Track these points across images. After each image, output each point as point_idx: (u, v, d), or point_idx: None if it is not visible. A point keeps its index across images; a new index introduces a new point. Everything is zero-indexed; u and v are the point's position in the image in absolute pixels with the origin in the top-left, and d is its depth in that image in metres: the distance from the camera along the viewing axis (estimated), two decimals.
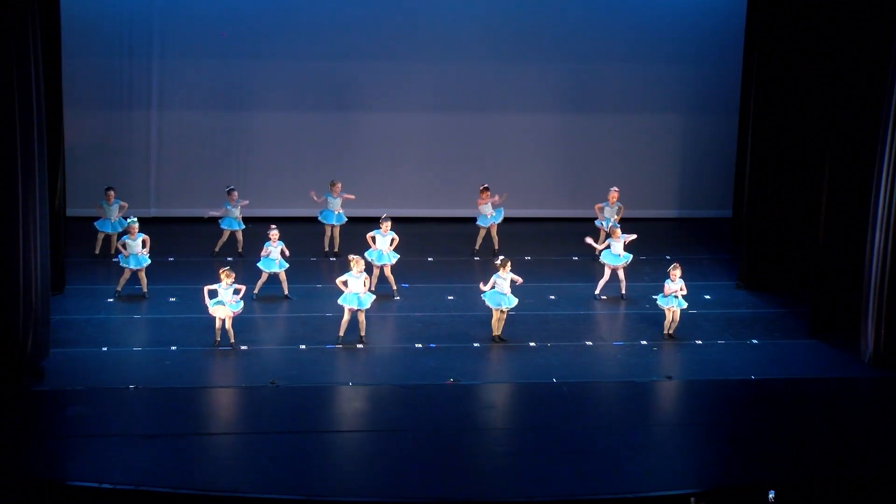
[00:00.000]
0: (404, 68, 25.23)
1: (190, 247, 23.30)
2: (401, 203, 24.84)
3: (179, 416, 16.93)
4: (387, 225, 21.22)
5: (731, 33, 25.06)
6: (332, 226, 23.06)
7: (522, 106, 25.58)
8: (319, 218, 23.07)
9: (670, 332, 19.88)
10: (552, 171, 25.70)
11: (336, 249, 22.83)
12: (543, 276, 22.31)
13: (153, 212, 24.60)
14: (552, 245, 24.03)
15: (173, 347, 19.04)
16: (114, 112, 24.80)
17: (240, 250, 22.82)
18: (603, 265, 21.54)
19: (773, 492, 14.87)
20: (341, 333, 19.31)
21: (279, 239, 20.92)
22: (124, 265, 20.85)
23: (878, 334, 19.02)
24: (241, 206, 22.70)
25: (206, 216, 22.69)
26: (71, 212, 22.54)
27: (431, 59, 25.20)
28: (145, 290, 20.95)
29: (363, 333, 19.33)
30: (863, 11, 19.15)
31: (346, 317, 19.29)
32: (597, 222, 23.36)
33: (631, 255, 21.54)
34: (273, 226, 21.18)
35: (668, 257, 23.70)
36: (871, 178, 19.02)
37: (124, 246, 20.87)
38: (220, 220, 22.80)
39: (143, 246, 20.92)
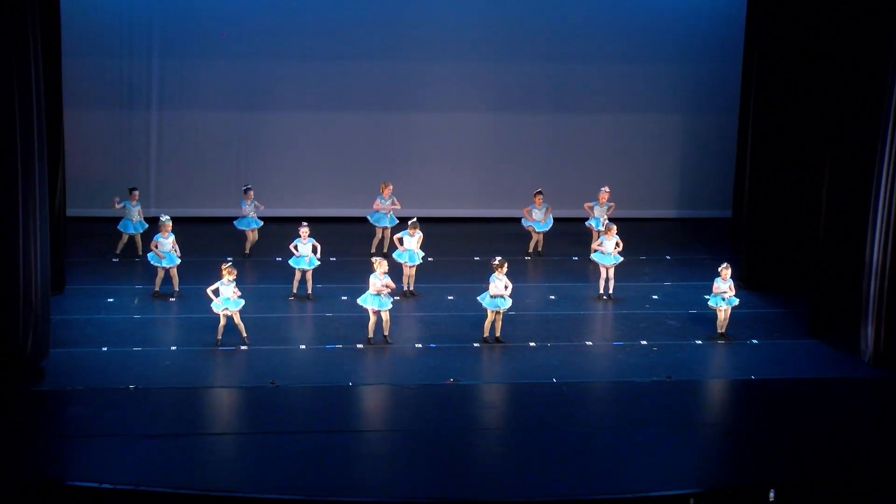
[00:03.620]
0: (406, 68, 25.20)
1: (190, 247, 23.24)
2: (400, 203, 24.85)
3: (179, 416, 16.93)
4: (415, 227, 21.27)
5: (731, 33, 25.04)
6: (385, 228, 22.95)
7: (522, 106, 25.56)
8: (371, 220, 23.01)
9: (722, 330, 19.85)
10: (552, 170, 25.66)
11: (385, 250, 22.70)
12: (543, 276, 22.32)
13: (153, 212, 24.54)
14: (552, 245, 24.00)
15: (173, 347, 19.05)
16: (114, 112, 24.80)
17: (247, 251, 22.85)
18: (596, 265, 21.55)
19: (773, 491, 14.88)
20: (370, 335, 19.30)
21: (309, 236, 20.95)
22: (155, 264, 20.87)
23: (878, 334, 19.01)
24: (256, 207, 22.77)
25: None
26: (71, 212, 22.55)
27: (431, 60, 25.17)
28: (176, 288, 20.95)
29: (387, 332, 19.35)
30: (863, 11, 19.15)
31: (373, 318, 19.30)
32: (587, 222, 23.36)
33: (621, 258, 21.49)
34: (305, 223, 21.19)
35: (668, 257, 23.74)
36: (871, 178, 19.03)
37: (156, 245, 20.88)
38: (234, 221, 22.93)
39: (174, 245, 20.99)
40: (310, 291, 21.02)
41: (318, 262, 21.00)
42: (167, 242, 20.85)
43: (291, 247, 21.00)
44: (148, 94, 24.80)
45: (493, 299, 19.43)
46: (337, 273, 22.00)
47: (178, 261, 20.97)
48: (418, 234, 21.28)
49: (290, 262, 21.00)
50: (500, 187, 25.02)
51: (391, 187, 22.96)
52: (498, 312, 19.49)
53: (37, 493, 14.93)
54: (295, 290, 21.01)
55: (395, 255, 21.33)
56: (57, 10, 20.38)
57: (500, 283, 19.41)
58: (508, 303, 19.52)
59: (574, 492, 15.25)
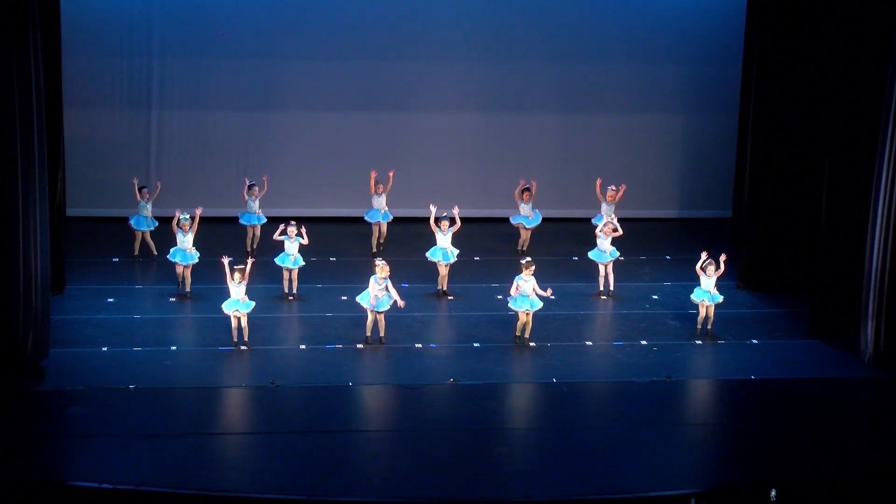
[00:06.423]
0: (407, 68, 25.19)
1: None
2: (399, 203, 24.83)
3: (179, 416, 16.93)
4: (445, 224, 21.24)
5: (731, 33, 25.05)
6: (379, 223, 23.03)
7: (522, 106, 25.57)
8: (365, 217, 23.08)
9: (708, 327, 19.82)
10: (552, 170, 25.66)
11: (382, 248, 22.70)
12: (543, 276, 22.24)
13: (154, 211, 24.54)
14: (552, 245, 24.00)
15: (173, 347, 19.05)
16: (114, 112, 24.81)
17: (253, 247, 22.78)
18: (595, 263, 21.57)
19: (774, 491, 14.88)
20: (368, 334, 19.30)
21: (297, 235, 20.93)
22: (171, 259, 20.86)
23: (878, 334, 19.02)
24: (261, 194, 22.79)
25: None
26: (71, 212, 22.55)
27: (432, 60, 25.17)
28: (188, 289, 20.92)
29: (382, 334, 19.33)
30: (862, 11, 19.15)
31: (370, 317, 19.29)
32: (594, 220, 23.37)
33: (618, 253, 21.51)
34: (293, 222, 21.17)
35: (668, 257, 23.74)
36: (871, 178, 19.03)
37: (179, 243, 20.85)
38: (239, 216, 22.90)
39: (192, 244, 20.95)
40: (294, 290, 20.99)
41: (304, 263, 20.96)
42: (186, 241, 20.83)
43: (277, 235, 20.95)
44: (148, 94, 24.79)
45: (519, 300, 19.40)
46: (336, 273, 22.00)
47: (195, 260, 20.93)
48: (450, 233, 21.15)
49: (276, 260, 20.98)
50: (500, 187, 24.96)
51: (382, 186, 22.97)
52: (528, 313, 19.45)
53: (37, 493, 14.92)
54: (286, 290, 20.97)
55: (428, 254, 21.27)
56: (57, 10, 20.37)
57: (526, 285, 19.36)
58: (539, 304, 19.50)
59: (574, 492, 15.24)
